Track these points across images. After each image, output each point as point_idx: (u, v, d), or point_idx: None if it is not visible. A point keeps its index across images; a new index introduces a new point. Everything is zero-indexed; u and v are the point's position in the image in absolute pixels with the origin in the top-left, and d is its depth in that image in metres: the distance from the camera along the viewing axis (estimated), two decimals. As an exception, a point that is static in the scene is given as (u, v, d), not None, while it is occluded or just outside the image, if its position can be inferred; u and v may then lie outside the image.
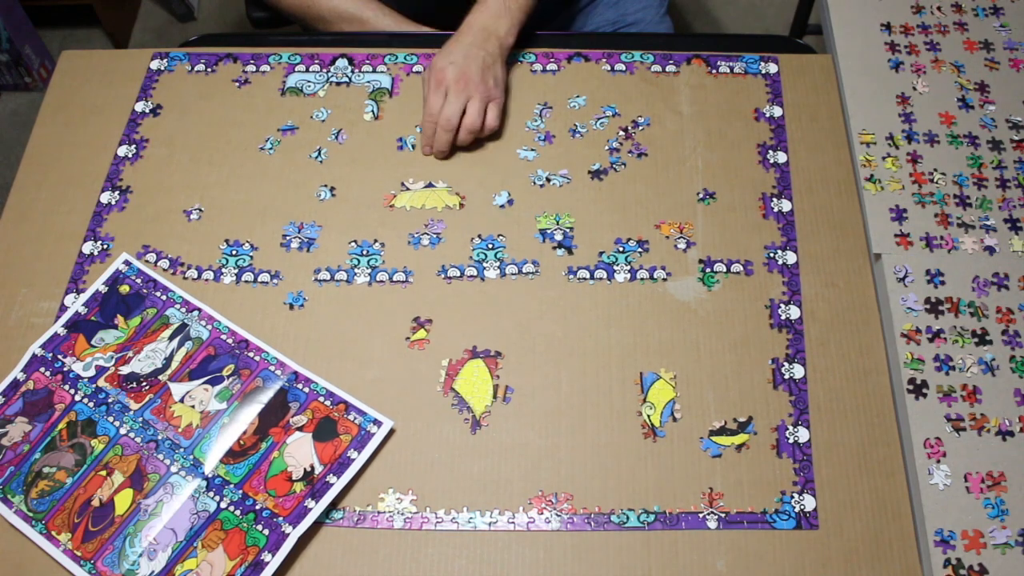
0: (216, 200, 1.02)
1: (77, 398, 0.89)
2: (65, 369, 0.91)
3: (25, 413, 0.89)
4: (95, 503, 0.84)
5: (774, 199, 1.00)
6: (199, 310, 0.94)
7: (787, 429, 0.87)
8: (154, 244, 0.99)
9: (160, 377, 0.90)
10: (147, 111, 1.09)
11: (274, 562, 0.80)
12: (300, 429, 0.86)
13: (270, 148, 1.05)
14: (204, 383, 0.90)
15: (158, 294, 0.95)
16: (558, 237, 0.98)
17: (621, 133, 1.05)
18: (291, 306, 0.95)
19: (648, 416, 0.88)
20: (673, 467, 0.85)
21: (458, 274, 0.96)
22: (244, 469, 0.85)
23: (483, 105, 1.02)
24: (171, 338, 0.92)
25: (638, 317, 0.93)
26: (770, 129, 1.05)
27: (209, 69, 1.12)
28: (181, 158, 1.05)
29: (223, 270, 0.97)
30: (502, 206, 1.00)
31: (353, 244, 0.98)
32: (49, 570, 0.82)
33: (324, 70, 1.11)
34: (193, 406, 0.88)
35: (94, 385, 0.90)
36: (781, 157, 1.03)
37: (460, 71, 1.01)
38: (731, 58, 1.10)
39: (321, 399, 0.88)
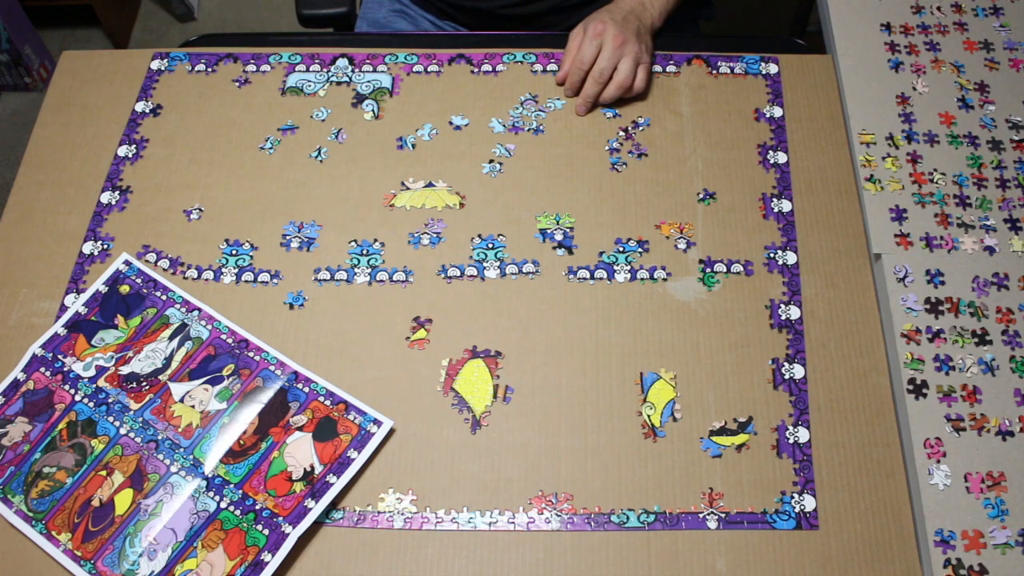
0: (216, 200, 1.02)
1: (77, 398, 0.89)
2: (65, 369, 0.91)
3: (25, 413, 0.89)
4: (95, 503, 0.84)
5: (774, 199, 1.00)
6: (199, 310, 0.94)
7: (787, 429, 0.87)
8: (154, 244, 0.99)
9: (160, 377, 0.90)
10: (147, 111, 1.09)
11: (274, 562, 0.80)
12: (300, 429, 0.86)
13: (270, 148, 1.05)
14: (204, 383, 0.90)
15: (158, 294, 0.95)
16: (558, 237, 0.98)
17: (621, 133, 1.05)
18: (291, 306, 0.95)
19: (648, 416, 0.88)
20: (673, 467, 0.85)
21: (458, 274, 0.96)
22: (244, 469, 0.85)
23: (635, 65, 1.05)
24: (171, 338, 0.92)
25: (638, 317, 0.93)
26: (770, 129, 1.05)
27: (209, 69, 1.12)
28: (181, 158, 1.05)
29: (223, 270, 0.97)
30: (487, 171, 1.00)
31: (353, 244, 0.98)
32: (49, 570, 0.82)
33: (324, 70, 1.11)
34: (193, 406, 0.88)
35: (94, 385, 0.90)
36: (781, 157, 1.03)
37: (619, 29, 1.04)
38: (731, 58, 1.10)
39: (321, 399, 0.88)
